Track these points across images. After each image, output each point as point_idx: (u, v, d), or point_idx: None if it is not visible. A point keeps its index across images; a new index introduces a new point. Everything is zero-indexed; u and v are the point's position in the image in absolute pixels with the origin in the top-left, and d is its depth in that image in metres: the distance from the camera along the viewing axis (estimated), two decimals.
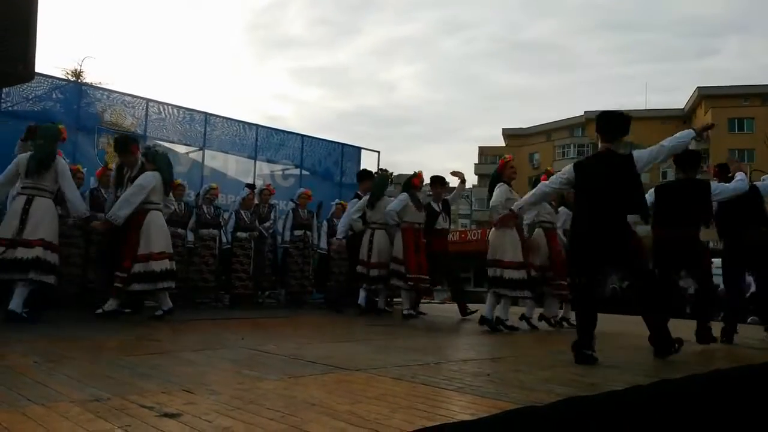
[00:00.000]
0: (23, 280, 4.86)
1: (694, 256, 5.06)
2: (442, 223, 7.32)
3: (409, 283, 6.90)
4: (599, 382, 2.90)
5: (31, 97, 7.64)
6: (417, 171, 7.52)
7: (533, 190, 4.75)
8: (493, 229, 5.93)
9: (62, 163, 5.23)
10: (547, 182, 4.60)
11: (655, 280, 4.48)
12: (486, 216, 49.88)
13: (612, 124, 4.05)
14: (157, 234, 5.41)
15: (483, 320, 5.75)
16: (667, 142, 4.11)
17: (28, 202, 4.97)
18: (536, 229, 6.57)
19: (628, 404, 2.68)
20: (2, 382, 2.43)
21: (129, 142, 5.69)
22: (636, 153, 4.02)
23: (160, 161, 5.65)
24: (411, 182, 7.29)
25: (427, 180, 7.84)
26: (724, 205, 5.42)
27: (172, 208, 6.15)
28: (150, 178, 5.44)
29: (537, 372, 3.18)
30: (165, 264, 5.40)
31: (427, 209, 7.25)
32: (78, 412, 2.00)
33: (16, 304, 4.84)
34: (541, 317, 6.46)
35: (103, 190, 6.71)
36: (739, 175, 5.25)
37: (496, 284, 5.69)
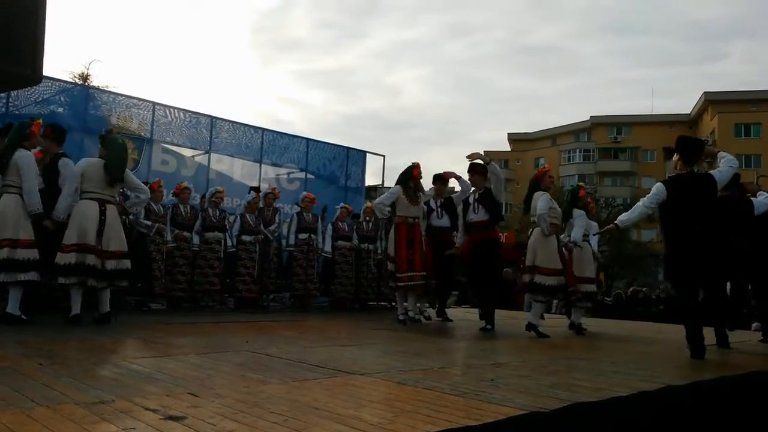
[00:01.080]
0: (9, 283, 4.82)
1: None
2: (436, 220, 7.02)
3: (399, 283, 6.52)
4: (604, 387, 2.89)
5: (38, 100, 7.68)
6: (415, 162, 6.86)
7: (635, 209, 4.95)
8: (534, 236, 6.06)
9: (25, 155, 5.02)
10: (645, 202, 4.80)
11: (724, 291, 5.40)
12: None
13: (692, 149, 4.73)
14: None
15: (529, 326, 5.89)
16: (730, 164, 4.76)
17: None
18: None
19: (633, 410, 2.67)
20: (8, 384, 2.44)
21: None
22: (716, 174, 4.60)
23: (110, 148, 5.27)
24: (411, 173, 6.72)
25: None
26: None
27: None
28: (69, 166, 5.22)
29: (541, 377, 3.17)
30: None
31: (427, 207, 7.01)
32: (83, 414, 2.00)
33: (12, 306, 4.80)
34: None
35: None
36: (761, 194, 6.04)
37: (534, 290, 5.95)
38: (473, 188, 6.66)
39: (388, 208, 6.73)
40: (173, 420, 1.96)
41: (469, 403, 2.40)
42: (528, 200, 6.31)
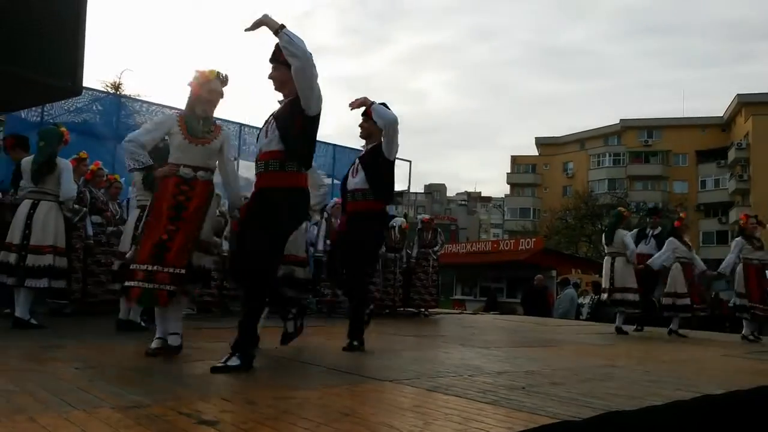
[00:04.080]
0: (30, 287, 4.91)
1: None
2: (352, 180, 4.55)
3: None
4: (639, 396, 2.84)
5: (71, 109, 7.87)
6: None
7: None
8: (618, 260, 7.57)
9: (66, 162, 5.19)
10: None
11: None
12: (518, 226, 49.43)
13: None
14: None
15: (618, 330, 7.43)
16: None
17: (33, 207, 4.99)
18: (675, 264, 7.64)
19: (669, 420, 2.61)
20: (46, 388, 2.49)
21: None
22: None
23: (42, 140, 5.15)
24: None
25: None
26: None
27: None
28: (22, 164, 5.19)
29: (574, 385, 3.13)
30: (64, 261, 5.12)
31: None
32: (118, 418, 2.04)
33: (21, 311, 4.89)
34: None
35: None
36: None
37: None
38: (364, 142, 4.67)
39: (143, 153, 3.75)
40: (206, 425, 1.98)
41: (500, 411, 2.38)
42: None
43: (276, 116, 3.50)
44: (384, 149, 4.36)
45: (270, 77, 3.52)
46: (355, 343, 4.36)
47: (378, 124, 4.36)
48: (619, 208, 8.36)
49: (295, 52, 3.15)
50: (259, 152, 3.50)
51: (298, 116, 3.39)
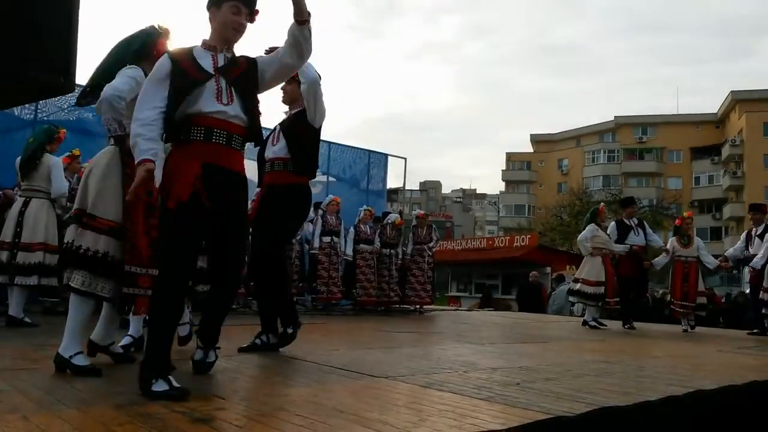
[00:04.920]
0: (21, 285, 4.90)
1: None
2: (271, 148, 3.99)
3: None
4: (633, 392, 2.85)
5: (65, 107, 7.83)
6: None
7: None
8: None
9: (57, 159, 5.19)
10: None
11: None
12: (513, 223, 49.51)
13: None
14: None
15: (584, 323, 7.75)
16: None
17: (25, 205, 5.01)
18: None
19: (663, 415, 2.62)
20: (40, 386, 2.48)
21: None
22: None
23: (31, 137, 5.24)
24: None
25: None
26: None
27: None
28: None
29: (568, 381, 3.14)
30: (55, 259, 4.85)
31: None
32: (112, 416, 2.03)
33: (15, 309, 4.88)
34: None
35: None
36: None
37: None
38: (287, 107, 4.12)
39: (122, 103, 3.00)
40: (200, 422, 1.98)
41: (494, 407, 2.38)
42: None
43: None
44: (308, 115, 3.85)
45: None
46: (290, 330, 3.84)
47: (301, 87, 3.83)
48: (602, 205, 8.44)
49: (309, 49, 2.86)
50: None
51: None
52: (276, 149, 3.93)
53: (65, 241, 2.96)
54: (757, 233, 7.64)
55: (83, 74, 2.97)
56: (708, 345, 5.93)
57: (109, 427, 1.90)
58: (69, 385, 2.54)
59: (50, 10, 1.58)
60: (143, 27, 3.22)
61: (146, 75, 2.79)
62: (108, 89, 2.89)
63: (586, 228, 7.93)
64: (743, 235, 8.14)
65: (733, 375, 3.64)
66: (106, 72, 3.06)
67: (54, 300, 6.15)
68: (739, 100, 45.00)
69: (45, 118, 7.57)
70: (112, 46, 3.19)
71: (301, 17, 2.75)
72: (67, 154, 5.83)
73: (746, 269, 7.99)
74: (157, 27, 3.19)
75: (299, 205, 3.96)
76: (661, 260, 8.00)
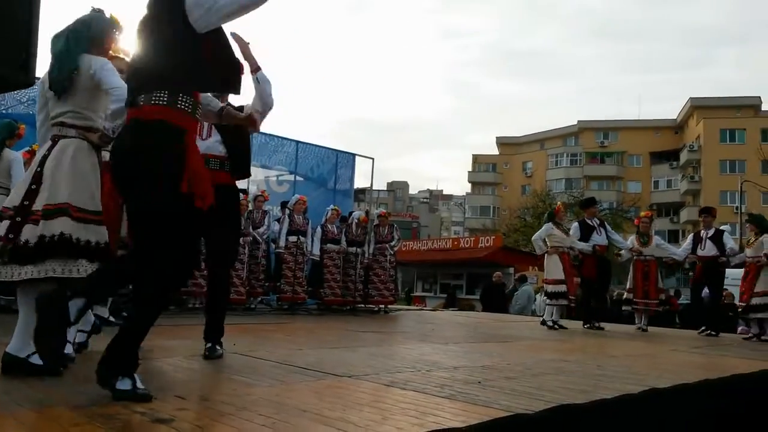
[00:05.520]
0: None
1: None
2: (216, 147, 3.78)
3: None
4: (590, 389, 2.92)
5: (24, 100, 7.62)
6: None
7: None
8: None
9: (17, 155, 5.09)
10: None
11: None
12: (478, 224, 49.98)
13: None
14: None
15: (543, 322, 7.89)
16: None
17: None
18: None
19: (618, 412, 2.70)
20: None
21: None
22: None
23: None
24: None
25: None
26: None
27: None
28: None
29: (528, 379, 3.20)
30: None
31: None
32: (70, 416, 2.00)
33: None
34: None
35: None
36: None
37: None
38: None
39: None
40: (161, 423, 1.96)
41: (456, 405, 2.42)
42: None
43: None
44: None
45: None
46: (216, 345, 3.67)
47: (254, 102, 3.61)
48: (559, 204, 8.61)
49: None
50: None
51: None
52: (210, 144, 3.80)
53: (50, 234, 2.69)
54: (709, 236, 7.83)
55: (43, 68, 2.89)
56: (663, 345, 6.10)
57: (66, 428, 1.87)
58: (28, 385, 2.49)
59: (10, 5, 1.56)
60: (97, 11, 3.03)
61: None
62: (123, 93, 2.60)
63: (543, 227, 8.07)
64: (690, 237, 8.40)
65: (687, 374, 3.76)
66: (72, 53, 2.87)
67: (9, 298, 5.99)
68: (698, 107, 46.37)
69: (3, 111, 7.36)
70: (67, 25, 2.97)
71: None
72: (27, 149, 5.69)
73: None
74: (110, 17, 3.06)
75: (231, 202, 3.94)
76: (625, 254, 8.33)
